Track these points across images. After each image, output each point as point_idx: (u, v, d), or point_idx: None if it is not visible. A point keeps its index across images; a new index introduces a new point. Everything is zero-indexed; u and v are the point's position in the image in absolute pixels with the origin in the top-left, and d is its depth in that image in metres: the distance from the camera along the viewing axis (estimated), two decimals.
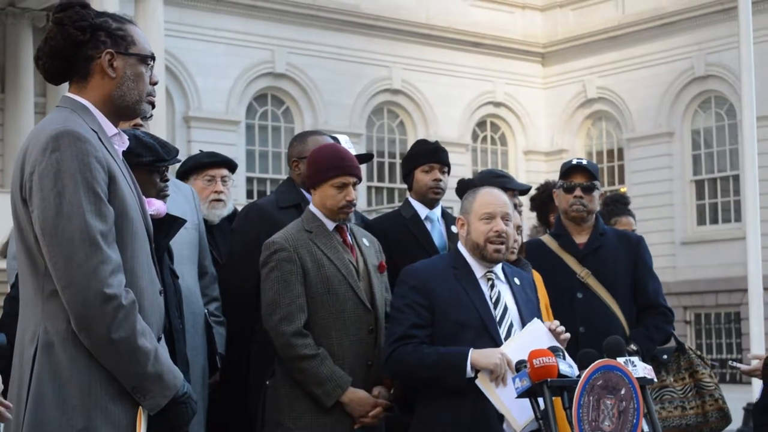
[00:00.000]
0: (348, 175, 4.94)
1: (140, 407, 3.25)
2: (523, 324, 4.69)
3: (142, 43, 3.45)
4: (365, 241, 5.11)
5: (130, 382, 3.22)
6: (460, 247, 4.82)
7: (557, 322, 4.69)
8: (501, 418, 4.47)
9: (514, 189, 5.74)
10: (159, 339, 3.38)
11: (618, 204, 7.69)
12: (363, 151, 19.62)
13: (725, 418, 6.00)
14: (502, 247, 4.71)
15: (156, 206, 4.04)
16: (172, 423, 3.32)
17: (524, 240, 5.72)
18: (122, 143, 3.48)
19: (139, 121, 4.73)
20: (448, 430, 4.52)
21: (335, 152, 5.04)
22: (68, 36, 3.35)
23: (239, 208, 6.04)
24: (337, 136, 5.85)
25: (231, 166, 6.01)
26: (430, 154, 5.85)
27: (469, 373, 4.47)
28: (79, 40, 3.35)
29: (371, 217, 6.56)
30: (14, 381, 3.29)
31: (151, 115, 4.94)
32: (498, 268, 4.79)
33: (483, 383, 4.45)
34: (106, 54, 3.36)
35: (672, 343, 6.12)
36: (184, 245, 5.06)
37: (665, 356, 5.99)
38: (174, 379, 3.30)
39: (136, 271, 3.31)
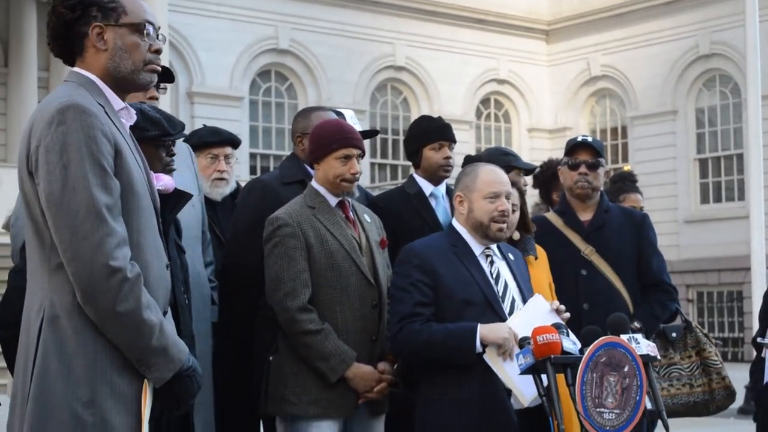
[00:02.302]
0: (351, 147, 4.94)
1: (145, 380, 3.27)
2: (524, 298, 4.70)
3: (137, 11, 3.43)
4: (367, 217, 5.12)
5: (135, 355, 3.23)
6: (456, 224, 4.81)
7: (557, 303, 4.69)
8: (509, 392, 4.48)
9: (520, 168, 5.72)
10: (165, 313, 3.38)
11: (626, 181, 7.67)
12: (367, 127, 19.64)
13: (731, 396, 6.01)
14: (505, 225, 4.72)
15: (164, 181, 4.03)
16: (177, 396, 3.33)
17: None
18: (130, 118, 3.49)
19: (155, 93, 4.72)
20: (456, 406, 4.52)
21: (338, 125, 5.05)
22: (60, 16, 3.38)
23: (242, 185, 6.03)
24: (342, 111, 5.83)
25: (235, 143, 5.99)
26: (439, 132, 5.80)
27: (479, 348, 4.46)
28: (70, 18, 3.38)
29: (374, 193, 6.54)
30: (20, 354, 3.31)
31: (165, 88, 4.92)
32: (494, 245, 4.79)
33: (491, 358, 4.45)
34: (94, 28, 3.38)
35: (678, 321, 6.11)
36: (194, 226, 5.03)
37: (674, 334, 5.99)
38: (179, 353, 3.31)
39: (143, 245, 3.32)
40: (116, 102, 3.42)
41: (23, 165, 3.28)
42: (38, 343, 3.21)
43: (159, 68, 3.49)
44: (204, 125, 6.17)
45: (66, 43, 3.42)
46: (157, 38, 3.47)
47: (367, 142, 5.32)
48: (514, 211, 5.05)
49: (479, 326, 4.47)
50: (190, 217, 4.87)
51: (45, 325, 3.21)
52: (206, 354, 4.94)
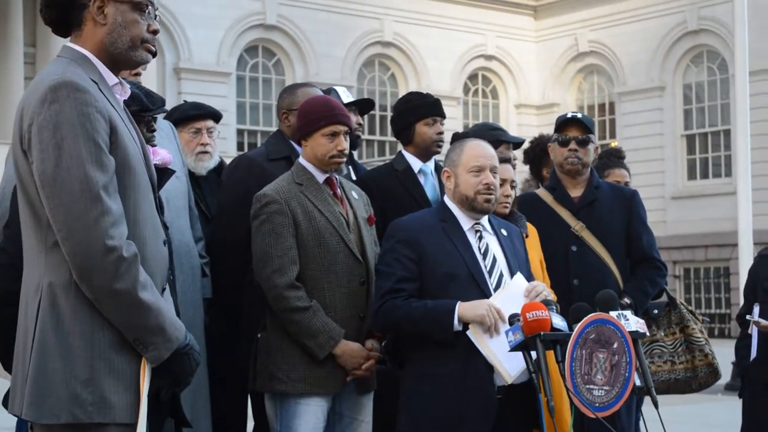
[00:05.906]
0: (338, 123, 4.93)
1: (143, 358, 3.25)
2: (512, 273, 4.68)
3: None
4: (354, 194, 5.11)
5: (132, 333, 3.21)
6: (447, 200, 4.81)
7: (535, 283, 4.63)
8: (491, 369, 4.47)
9: (509, 142, 5.71)
10: (163, 290, 3.38)
11: (611, 157, 7.65)
12: None
13: (714, 373, 6.02)
14: (492, 197, 4.71)
15: (161, 155, 4.02)
16: (175, 374, 3.32)
17: (517, 194, 5.70)
18: (124, 93, 3.46)
19: (138, 69, 4.69)
20: (440, 382, 4.52)
21: (325, 102, 5.04)
22: None
23: (228, 161, 6.00)
24: (336, 88, 5.82)
25: (216, 117, 5.97)
26: (432, 107, 5.80)
27: (456, 326, 4.46)
28: None
29: None
30: (20, 333, 3.29)
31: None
32: (485, 220, 4.79)
33: (475, 335, 4.44)
34: (95, 0, 3.33)
35: (663, 298, 6.13)
36: (179, 196, 5.02)
37: (656, 311, 6.01)
38: (176, 332, 3.29)
39: (139, 221, 3.30)
40: (110, 77, 3.39)
41: (17, 144, 3.26)
42: (36, 322, 3.19)
43: (154, 49, 3.46)
44: (185, 101, 6.14)
45: (63, 11, 3.37)
46: (155, 19, 3.44)
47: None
48: (502, 184, 5.06)
49: (458, 304, 4.47)
50: (174, 188, 4.85)
51: (43, 304, 3.20)
52: (198, 325, 4.92)
